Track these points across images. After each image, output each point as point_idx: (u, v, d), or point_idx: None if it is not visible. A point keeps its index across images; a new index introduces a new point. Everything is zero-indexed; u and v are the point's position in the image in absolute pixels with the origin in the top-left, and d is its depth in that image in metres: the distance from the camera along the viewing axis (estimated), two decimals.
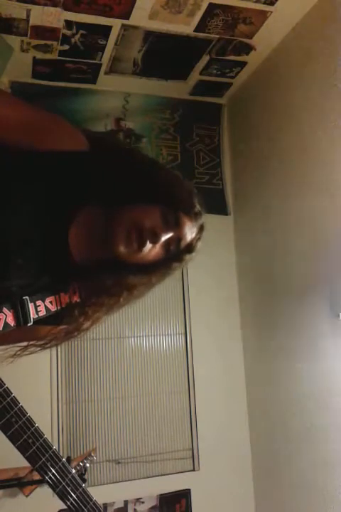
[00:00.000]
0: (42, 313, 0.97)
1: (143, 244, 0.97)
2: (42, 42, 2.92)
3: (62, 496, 0.99)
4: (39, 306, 0.97)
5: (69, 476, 1.00)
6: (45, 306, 0.98)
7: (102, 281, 1.03)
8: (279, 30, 2.92)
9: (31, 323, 0.95)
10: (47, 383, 3.06)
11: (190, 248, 1.07)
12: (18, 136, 0.92)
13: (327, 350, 2.60)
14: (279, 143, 3.06)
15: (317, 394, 2.68)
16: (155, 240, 0.98)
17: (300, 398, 2.82)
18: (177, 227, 1.02)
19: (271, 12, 2.75)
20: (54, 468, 0.98)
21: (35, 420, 0.97)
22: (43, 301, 0.98)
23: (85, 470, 2.55)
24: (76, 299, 1.04)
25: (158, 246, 1.00)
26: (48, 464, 0.97)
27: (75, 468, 2.53)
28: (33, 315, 0.95)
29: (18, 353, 1.02)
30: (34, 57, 3.08)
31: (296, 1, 2.68)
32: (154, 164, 1.10)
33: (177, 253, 1.05)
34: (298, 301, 2.85)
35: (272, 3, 2.68)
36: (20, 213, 0.95)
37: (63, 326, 1.04)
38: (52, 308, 0.99)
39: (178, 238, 1.03)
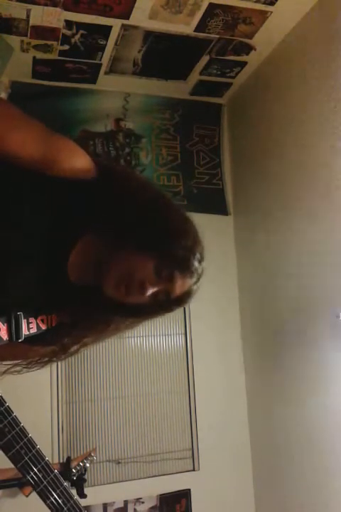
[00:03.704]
0: (34, 330, 0.98)
1: (129, 293, 0.98)
2: (42, 42, 2.92)
3: (43, 495, 1.00)
4: (31, 322, 0.97)
5: (52, 475, 1.00)
6: (37, 324, 0.98)
7: (93, 308, 1.03)
8: (279, 30, 2.92)
9: (22, 339, 0.95)
10: (47, 383, 3.06)
11: (180, 302, 1.05)
12: (29, 159, 0.93)
13: (328, 348, 2.60)
14: (279, 143, 3.06)
15: (319, 393, 2.69)
16: (142, 292, 0.98)
17: (301, 398, 2.82)
18: (168, 282, 1.00)
19: (271, 12, 2.75)
20: (36, 467, 1.00)
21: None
22: (36, 319, 0.98)
23: (85, 470, 2.55)
24: (66, 320, 1.04)
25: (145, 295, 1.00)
26: (30, 463, 0.99)
27: (75, 468, 2.53)
28: (24, 331, 0.95)
29: (2, 371, 1.02)
30: (34, 57, 3.08)
31: (296, 1, 2.68)
32: (163, 205, 1.05)
33: (166, 302, 1.04)
34: (298, 300, 2.85)
35: (272, 3, 2.68)
36: (24, 232, 0.95)
37: (50, 346, 1.04)
38: (43, 326, 1.00)
39: (167, 292, 1.01)
